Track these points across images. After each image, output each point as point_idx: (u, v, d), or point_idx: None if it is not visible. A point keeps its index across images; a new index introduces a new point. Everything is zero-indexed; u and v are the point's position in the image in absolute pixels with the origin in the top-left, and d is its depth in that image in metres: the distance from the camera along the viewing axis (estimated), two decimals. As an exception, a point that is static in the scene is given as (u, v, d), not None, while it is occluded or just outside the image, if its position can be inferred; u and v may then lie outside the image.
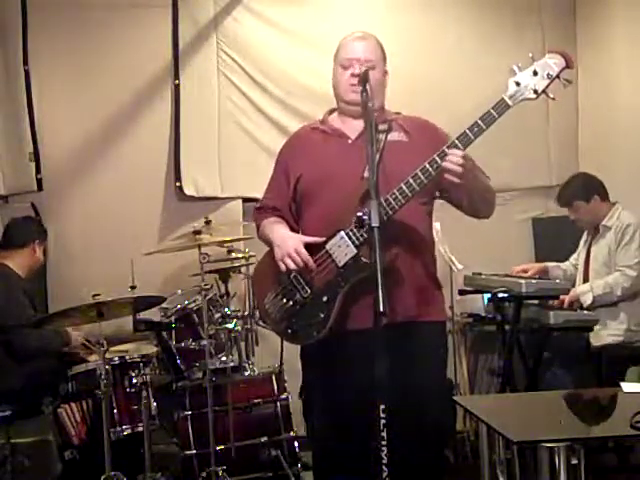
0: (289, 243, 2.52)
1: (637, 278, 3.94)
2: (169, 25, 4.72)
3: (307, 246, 2.51)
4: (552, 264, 4.37)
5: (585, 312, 3.88)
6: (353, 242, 2.44)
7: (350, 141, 2.62)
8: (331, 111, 2.76)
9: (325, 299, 2.49)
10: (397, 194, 2.39)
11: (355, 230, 2.43)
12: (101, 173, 4.70)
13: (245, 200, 4.74)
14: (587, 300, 3.94)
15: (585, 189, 4.14)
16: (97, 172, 4.69)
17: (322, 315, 2.49)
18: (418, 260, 2.57)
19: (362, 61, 2.57)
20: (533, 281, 3.77)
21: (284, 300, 2.58)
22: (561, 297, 3.91)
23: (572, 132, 5.21)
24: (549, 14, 5.16)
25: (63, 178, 4.66)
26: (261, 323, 2.62)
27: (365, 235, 2.39)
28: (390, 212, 2.40)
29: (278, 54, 4.84)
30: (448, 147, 2.36)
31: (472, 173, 2.42)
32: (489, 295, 3.96)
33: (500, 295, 3.77)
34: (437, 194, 2.67)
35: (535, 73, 2.33)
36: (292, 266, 2.50)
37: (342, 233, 2.46)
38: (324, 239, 2.50)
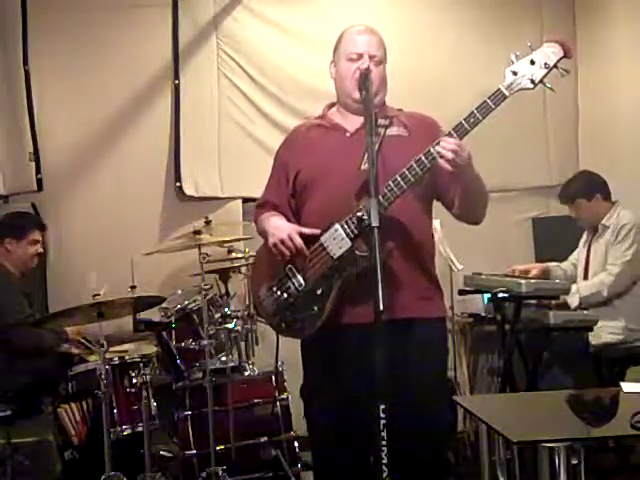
0: (283, 230, 2.52)
1: (621, 276, 3.93)
2: (169, 25, 4.72)
3: (302, 238, 2.50)
4: (553, 264, 4.37)
5: (585, 312, 3.89)
6: (348, 235, 2.43)
7: (349, 134, 2.61)
8: (331, 105, 2.75)
9: (319, 292, 2.48)
10: (392, 185, 2.38)
11: (350, 223, 2.42)
12: (101, 173, 4.70)
13: (245, 200, 4.73)
14: (574, 302, 3.93)
15: (588, 187, 4.14)
16: (97, 172, 4.70)
17: (316, 308, 2.48)
18: (416, 257, 2.57)
19: (370, 56, 2.56)
20: (533, 281, 3.77)
21: (278, 293, 2.57)
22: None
23: (572, 131, 5.20)
24: (549, 10, 5.16)
25: (63, 178, 4.66)
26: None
27: (360, 228, 2.38)
28: (386, 204, 2.38)
29: (278, 54, 4.84)
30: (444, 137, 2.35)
31: (468, 165, 2.39)
32: (489, 295, 3.96)
33: (500, 295, 3.77)
34: (434, 195, 2.65)
35: (532, 62, 2.29)
36: (285, 252, 2.49)
37: (337, 226, 2.44)
38: (319, 231, 2.49)
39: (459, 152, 2.31)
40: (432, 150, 2.34)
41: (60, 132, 4.63)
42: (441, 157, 2.32)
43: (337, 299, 2.47)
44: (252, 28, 4.83)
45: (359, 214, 2.37)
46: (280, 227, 2.56)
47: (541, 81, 2.30)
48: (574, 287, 4.01)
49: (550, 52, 2.29)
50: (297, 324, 2.54)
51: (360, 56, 2.56)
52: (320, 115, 2.75)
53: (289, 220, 2.66)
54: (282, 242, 2.49)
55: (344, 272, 2.44)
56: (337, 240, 2.44)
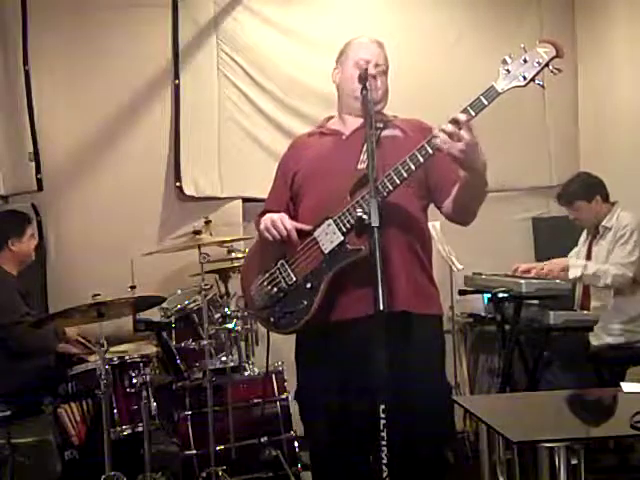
0: (275, 215, 2.56)
1: (623, 276, 3.90)
2: (169, 25, 4.72)
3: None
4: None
5: (585, 312, 3.90)
6: (340, 229, 2.45)
7: (344, 137, 2.67)
8: (329, 118, 2.82)
9: (309, 286, 2.49)
10: (392, 174, 2.40)
11: (342, 217, 2.44)
12: (101, 173, 4.70)
13: (245, 200, 4.74)
14: (575, 273, 3.92)
15: (587, 189, 4.13)
16: (97, 172, 4.70)
17: (305, 302, 2.49)
18: (416, 254, 2.58)
19: (377, 64, 2.64)
20: (533, 281, 3.76)
21: (269, 287, 2.59)
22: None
23: (572, 132, 5.20)
24: (548, 10, 5.17)
25: (63, 178, 4.66)
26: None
27: (352, 222, 2.39)
28: (385, 194, 2.40)
29: (278, 54, 4.85)
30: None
31: (476, 153, 2.33)
32: (489, 295, 3.96)
33: (500, 295, 3.76)
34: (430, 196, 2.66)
35: (525, 61, 2.35)
36: (275, 234, 2.52)
37: (330, 220, 2.48)
38: (312, 227, 2.52)
39: (460, 135, 2.29)
40: (426, 145, 2.36)
41: (60, 132, 4.63)
42: (439, 140, 2.29)
43: (327, 294, 2.47)
44: (252, 28, 4.83)
45: (359, 214, 2.36)
46: (272, 215, 2.60)
47: (532, 79, 2.34)
48: (581, 261, 4.01)
49: (543, 52, 2.35)
50: (285, 318, 2.55)
51: (367, 63, 2.63)
52: (319, 125, 2.83)
53: None
54: (273, 223, 2.53)
55: (334, 266, 2.46)
56: (329, 234, 2.47)
